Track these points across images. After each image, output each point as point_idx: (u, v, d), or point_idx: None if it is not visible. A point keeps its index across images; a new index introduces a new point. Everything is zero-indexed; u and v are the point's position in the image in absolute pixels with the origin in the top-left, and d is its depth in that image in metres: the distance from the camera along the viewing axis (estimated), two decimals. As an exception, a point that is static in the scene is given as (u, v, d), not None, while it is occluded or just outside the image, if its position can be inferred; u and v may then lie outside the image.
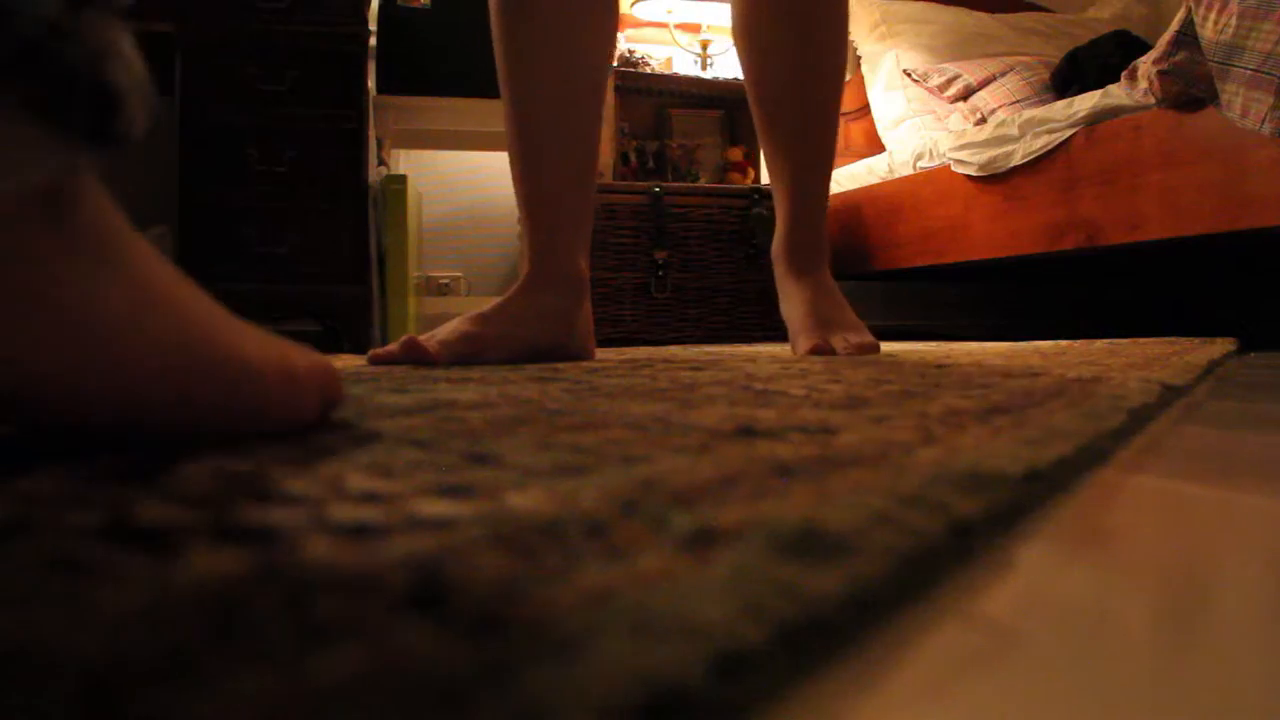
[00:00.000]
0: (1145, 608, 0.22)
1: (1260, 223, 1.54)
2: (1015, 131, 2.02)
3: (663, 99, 2.84)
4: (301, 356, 0.35)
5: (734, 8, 1.19)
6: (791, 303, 1.20)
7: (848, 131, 2.80)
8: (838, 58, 1.20)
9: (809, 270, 1.19)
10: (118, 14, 0.26)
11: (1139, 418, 0.49)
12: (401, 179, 2.10)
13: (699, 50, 3.02)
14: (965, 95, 2.33)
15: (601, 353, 1.42)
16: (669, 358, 1.09)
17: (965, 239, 2.16)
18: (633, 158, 2.66)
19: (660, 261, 2.37)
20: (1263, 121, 1.42)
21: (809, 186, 1.19)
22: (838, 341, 1.12)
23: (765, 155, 1.22)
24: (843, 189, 2.54)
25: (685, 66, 3.04)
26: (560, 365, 0.92)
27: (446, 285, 2.67)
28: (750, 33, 1.16)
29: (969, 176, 2.12)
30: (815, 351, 1.12)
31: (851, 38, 2.63)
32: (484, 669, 0.13)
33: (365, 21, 1.96)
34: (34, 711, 0.11)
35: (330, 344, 1.94)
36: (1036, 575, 0.24)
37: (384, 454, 0.30)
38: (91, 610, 0.14)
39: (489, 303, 1.02)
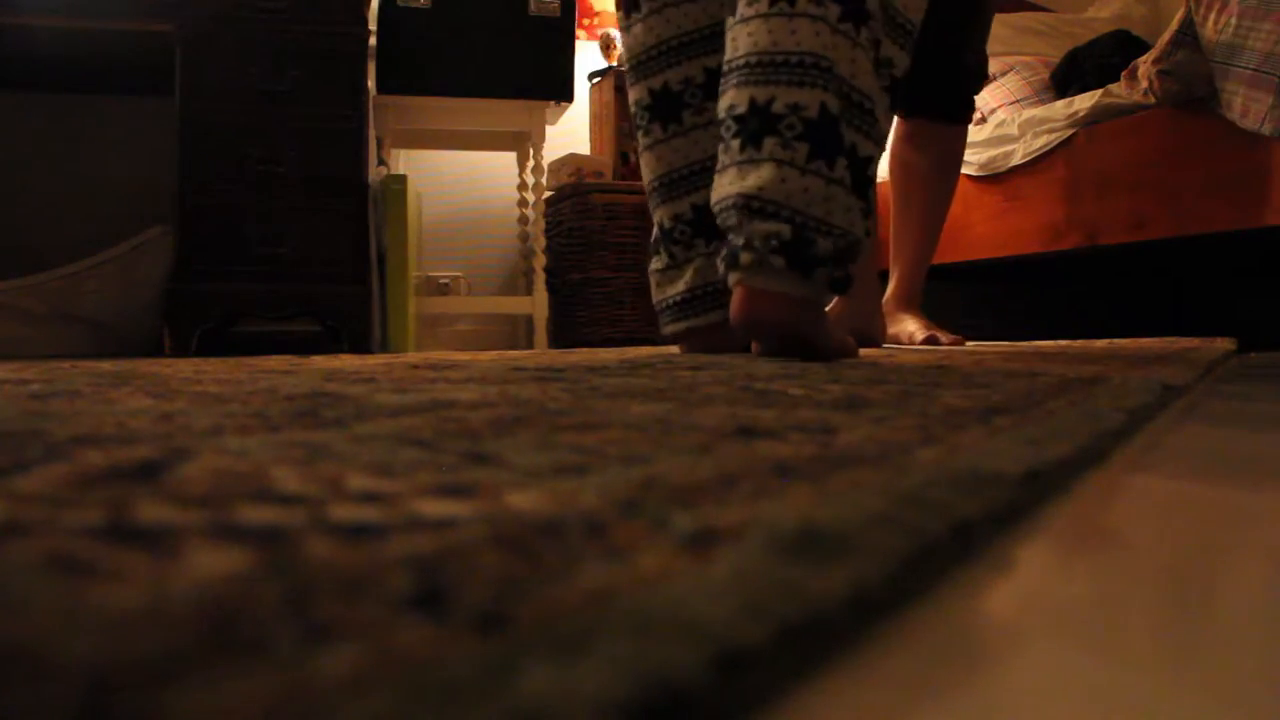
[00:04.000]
0: (1145, 608, 0.22)
1: (1260, 223, 1.54)
2: (1015, 131, 2.02)
3: (663, 99, 2.83)
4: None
5: (895, 147, 1.78)
6: (902, 325, 1.79)
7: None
8: (957, 175, 1.82)
9: (912, 309, 1.82)
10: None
11: (1139, 418, 0.49)
12: (401, 179, 2.10)
13: (699, 50, 3.02)
14: (965, 95, 2.33)
15: (601, 353, 1.42)
16: (669, 358, 1.09)
17: (965, 239, 2.16)
18: (633, 158, 2.66)
19: (660, 261, 2.37)
20: (1262, 121, 1.42)
21: (925, 256, 1.81)
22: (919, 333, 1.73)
23: (894, 236, 1.83)
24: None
25: (685, 66, 3.04)
26: (560, 365, 0.92)
27: (446, 285, 2.67)
28: (910, 169, 1.78)
29: (969, 176, 2.12)
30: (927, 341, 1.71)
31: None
32: (484, 669, 0.13)
33: (365, 21, 1.95)
34: (34, 711, 0.11)
35: (330, 344, 1.94)
36: (1036, 575, 0.24)
37: (384, 454, 0.30)
38: (91, 610, 0.14)
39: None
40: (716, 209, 1.00)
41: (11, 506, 0.22)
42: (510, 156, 2.67)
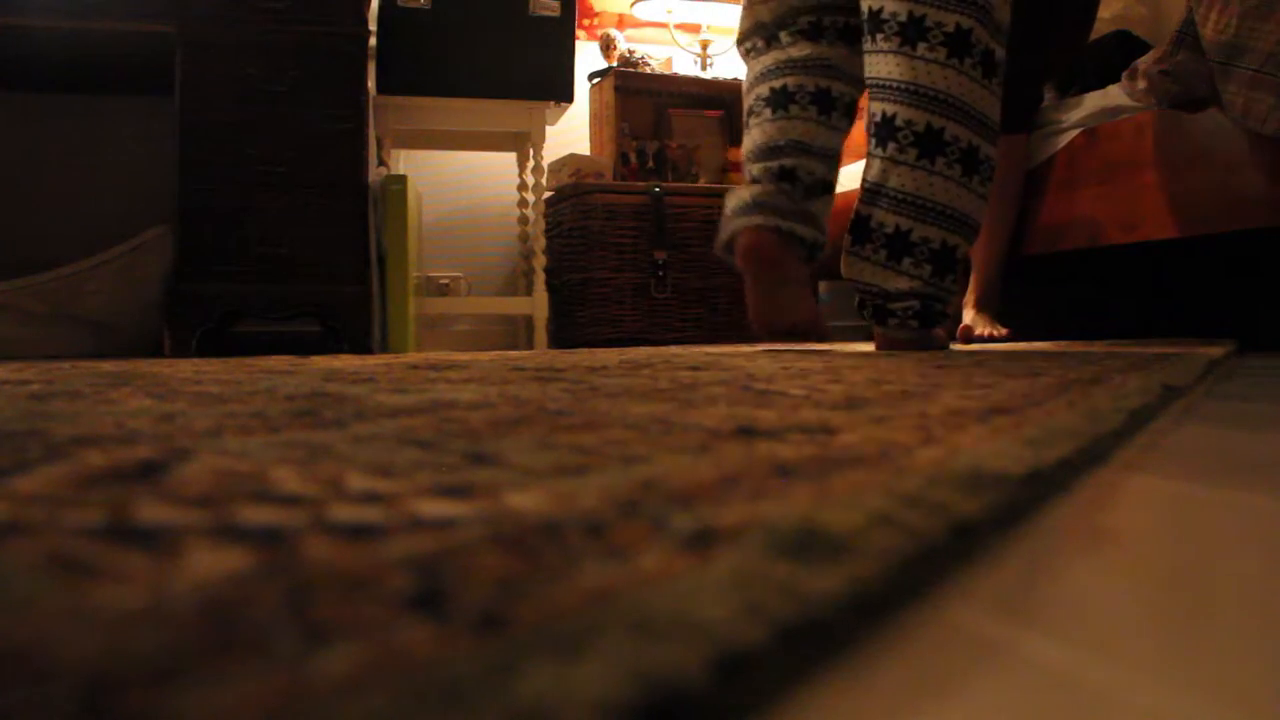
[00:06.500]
0: (1145, 608, 0.22)
1: (1260, 223, 1.54)
2: (1015, 131, 2.02)
3: (662, 99, 2.84)
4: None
5: None
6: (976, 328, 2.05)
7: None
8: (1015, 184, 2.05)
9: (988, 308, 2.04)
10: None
11: (1139, 418, 0.49)
12: (401, 179, 2.10)
13: (699, 50, 3.02)
14: (965, 95, 2.32)
15: (601, 353, 1.42)
16: (669, 358, 1.09)
17: (965, 239, 2.16)
18: (633, 158, 2.66)
19: (660, 261, 2.38)
20: (1264, 121, 1.42)
21: (999, 259, 2.05)
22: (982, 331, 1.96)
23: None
24: (843, 189, 2.54)
25: (685, 67, 3.04)
26: (560, 365, 0.92)
27: (446, 285, 2.67)
28: None
29: (969, 176, 2.12)
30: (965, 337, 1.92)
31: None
32: (484, 669, 0.13)
33: (365, 21, 1.95)
34: (34, 711, 0.11)
35: (330, 344, 1.94)
36: (1036, 576, 0.24)
37: (384, 454, 0.30)
38: (91, 610, 0.14)
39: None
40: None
41: (11, 506, 0.22)
42: (510, 156, 2.67)
